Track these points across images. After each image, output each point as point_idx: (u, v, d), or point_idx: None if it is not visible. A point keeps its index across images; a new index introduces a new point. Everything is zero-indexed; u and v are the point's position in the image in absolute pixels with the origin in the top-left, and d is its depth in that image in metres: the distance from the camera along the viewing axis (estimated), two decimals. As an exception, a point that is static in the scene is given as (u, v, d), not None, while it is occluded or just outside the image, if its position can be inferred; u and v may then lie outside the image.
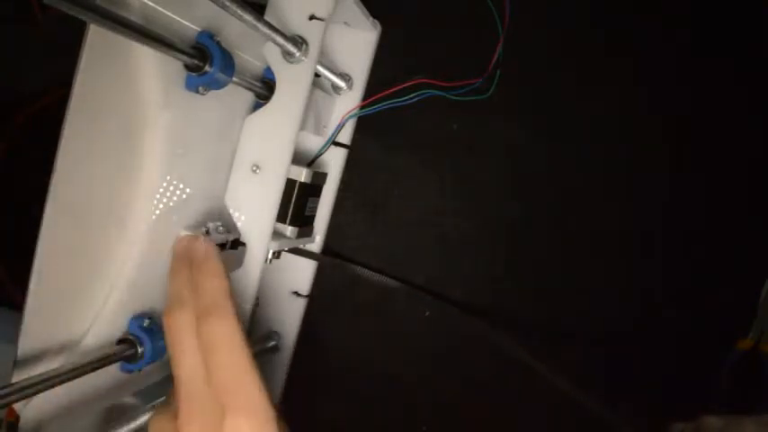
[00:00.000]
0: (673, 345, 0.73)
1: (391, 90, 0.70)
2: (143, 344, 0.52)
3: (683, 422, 0.57)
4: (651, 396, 0.74)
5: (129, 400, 0.58)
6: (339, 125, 0.71)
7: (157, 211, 0.52)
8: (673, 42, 0.72)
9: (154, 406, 0.52)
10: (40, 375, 0.41)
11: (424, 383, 0.80)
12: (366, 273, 0.76)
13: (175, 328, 0.45)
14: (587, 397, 0.64)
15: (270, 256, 0.60)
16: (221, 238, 0.59)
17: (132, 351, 0.52)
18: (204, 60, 0.49)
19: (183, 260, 0.50)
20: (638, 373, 0.74)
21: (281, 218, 0.63)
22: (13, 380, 0.41)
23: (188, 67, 0.49)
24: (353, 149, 0.76)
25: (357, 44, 0.74)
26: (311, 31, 0.56)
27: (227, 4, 0.43)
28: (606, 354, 0.74)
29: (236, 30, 0.54)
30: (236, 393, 0.42)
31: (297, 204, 0.63)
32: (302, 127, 0.59)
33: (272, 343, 0.75)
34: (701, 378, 0.71)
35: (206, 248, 0.50)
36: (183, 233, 0.55)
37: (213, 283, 0.46)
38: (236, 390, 0.42)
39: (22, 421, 0.44)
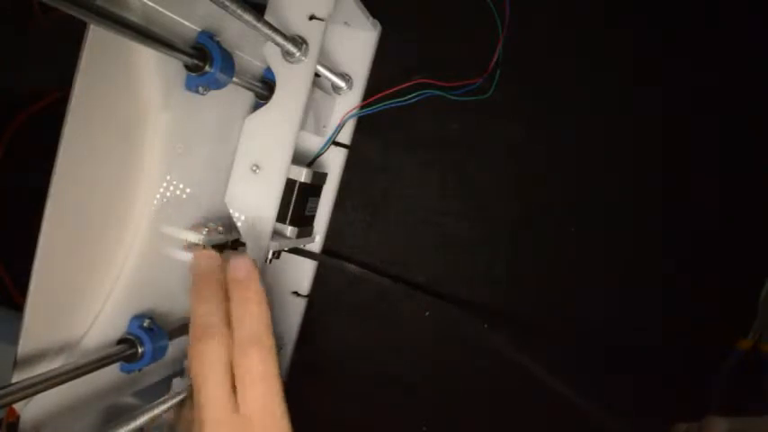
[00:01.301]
0: (673, 345, 0.73)
1: (391, 90, 0.70)
2: (143, 344, 0.52)
3: (685, 422, 0.57)
4: (651, 396, 0.74)
5: (129, 400, 0.58)
6: (339, 125, 0.71)
7: (157, 211, 0.52)
8: (674, 42, 0.72)
9: (153, 407, 0.52)
10: (40, 375, 0.41)
11: (424, 383, 0.79)
12: (366, 273, 0.76)
13: (203, 359, 0.42)
14: (583, 401, 0.64)
15: (270, 256, 0.60)
16: (221, 238, 0.59)
17: (132, 351, 0.52)
18: (204, 60, 0.49)
19: (209, 280, 0.46)
20: (638, 373, 0.74)
21: (281, 218, 0.63)
22: (13, 380, 0.41)
23: (188, 68, 0.49)
24: (353, 149, 0.76)
25: (357, 44, 0.74)
26: (311, 31, 0.56)
27: (227, 4, 0.43)
28: (606, 353, 0.74)
29: (236, 30, 0.54)
30: (267, 427, 0.41)
31: (297, 204, 0.63)
32: (302, 127, 0.59)
33: (272, 343, 0.75)
34: (701, 378, 0.71)
35: (250, 269, 0.45)
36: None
37: (256, 311, 0.43)
38: (269, 424, 0.41)
39: (22, 421, 0.44)
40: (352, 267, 0.76)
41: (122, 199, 0.49)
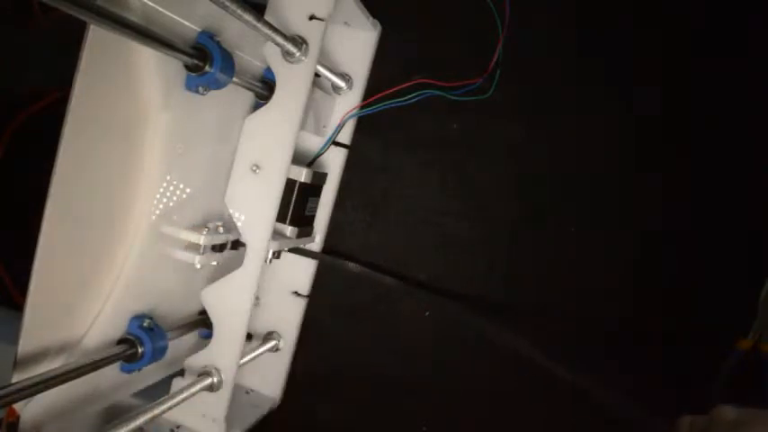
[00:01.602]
0: (673, 345, 0.73)
1: (391, 90, 0.70)
2: (143, 344, 0.52)
3: (691, 414, 0.56)
4: (651, 396, 0.74)
5: (129, 400, 0.58)
6: (339, 125, 0.71)
7: (157, 211, 0.52)
8: (673, 42, 0.72)
9: (153, 407, 0.52)
10: (40, 375, 0.41)
11: (424, 383, 0.79)
12: (367, 272, 0.76)
13: None
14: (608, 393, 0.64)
15: (270, 256, 0.60)
16: (221, 238, 0.59)
17: (132, 351, 0.52)
18: (204, 60, 0.49)
19: None
20: (639, 373, 0.74)
21: (281, 218, 0.62)
22: (13, 380, 0.41)
23: (188, 68, 0.49)
24: (353, 149, 0.76)
25: (357, 44, 0.74)
26: (311, 31, 0.56)
27: (227, 4, 0.43)
28: (606, 354, 0.74)
29: (236, 30, 0.54)
30: None
31: (297, 204, 0.63)
32: (302, 127, 0.59)
33: (273, 343, 0.75)
34: (701, 378, 0.71)
35: None
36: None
37: None
38: None
39: (22, 421, 0.44)
40: (352, 266, 0.76)
41: (122, 199, 0.49)
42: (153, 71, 0.46)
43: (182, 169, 0.54)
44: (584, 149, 0.74)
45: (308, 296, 0.77)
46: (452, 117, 0.76)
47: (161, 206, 0.52)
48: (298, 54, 0.56)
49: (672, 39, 0.72)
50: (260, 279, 0.59)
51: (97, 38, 0.40)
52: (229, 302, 0.59)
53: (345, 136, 0.75)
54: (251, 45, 0.57)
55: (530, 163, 0.76)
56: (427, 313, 0.79)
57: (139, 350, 0.52)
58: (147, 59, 0.45)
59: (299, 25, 0.56)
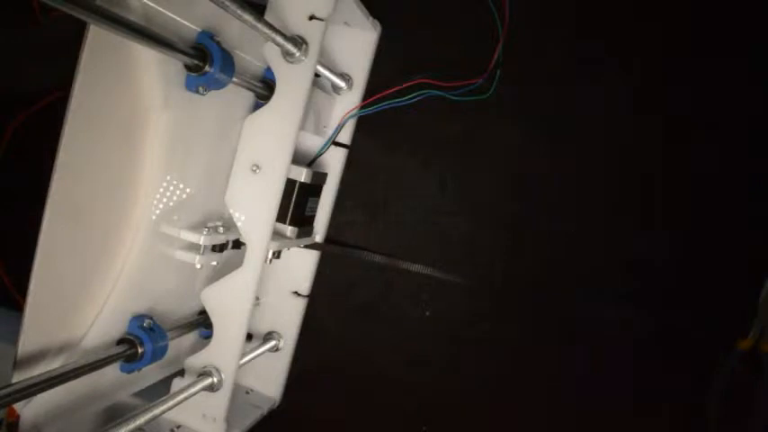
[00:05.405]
0: (673, 345, 0.73)
1: (391, 90, 0.70)
2: (143, 344, 0.52)
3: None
4: (652, 396, 0.74)
5: (129, 400, 0.58)
6: (339, 125, 0.71)
7: (157, 211, 0.52)
8: (672, 42, 0.72)
9: (153, 407, 0.52)
10: (40, 375, 0.41)
11: (424, 383, 0.79)
12: (371, 255, 0.75)
13: None
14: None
15: (270, 255, 0.60)
16: (221, 238, 0.59)
17: (132, 351, 0.52)
18: (204, 60, 0.49)
19: None
20: (638, 373, 0.74)
21: (281, 218, 0.62)
22: (13, 380, 0.41)
23: (188, 68, 0.49)
24: (353, 149, 0.76)
25: (357, 44, 0.74)
26: (311, 31, 0.56)
27: (227, 4, 0.43)
28: (606, 354, 0.74)
29: (236, 30, 0.54)
30: None
31: (297, 204, 0.63)
32: (302, 127, 0.59)
33: (273, 343, 0.75)
34: (702, 378, 0.71)
35: None
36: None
37: None
38: None
39: (22, 421, 0.44)
40: (356, 253, 0.75)
41: (122, 199, 0.49)
42: (153, 71, 0.46)
43: (182, 169, 0.54)
44: (584, 149, 0.74)
45: (307, 296, 0.77)
46: (452, 117, 0.76)
47: (161, 206, 0.52)
48: (298, 54, 0.56)
49: (672, 38, 0.72)
50: (260, 279, 0.59)
51: (97, 38, 0.40)
52: (229, 302, 0.59)
53: (345, 136, 0.75)
54: (251, 45, 0.57)
55: (529, 163, 0.76)
56: (427, 313, 0.79)
57: (139, 350, 0.52)
58: (147, 59, 0.45)
59: (299, 25, 0.56)
